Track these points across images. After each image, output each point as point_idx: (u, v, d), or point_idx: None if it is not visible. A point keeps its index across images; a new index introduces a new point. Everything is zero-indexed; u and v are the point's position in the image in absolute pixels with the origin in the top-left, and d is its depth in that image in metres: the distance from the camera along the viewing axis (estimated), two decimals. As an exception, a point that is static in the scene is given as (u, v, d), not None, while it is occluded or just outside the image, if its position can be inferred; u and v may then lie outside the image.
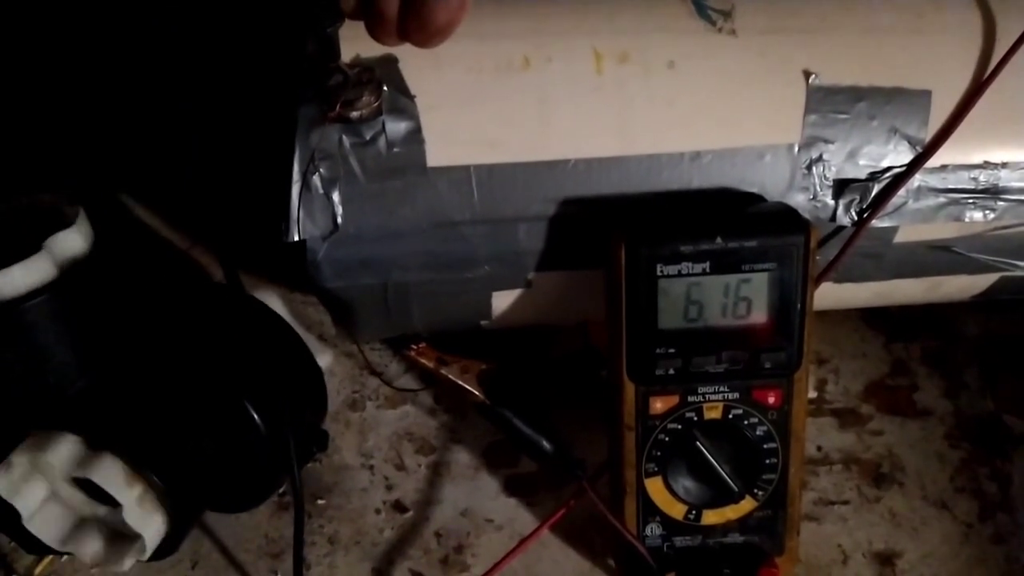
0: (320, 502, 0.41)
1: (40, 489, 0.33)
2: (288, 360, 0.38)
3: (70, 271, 0.34)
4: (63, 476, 0.33)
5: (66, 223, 0.34)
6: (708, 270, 0.33)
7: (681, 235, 0.33)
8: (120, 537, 0.34)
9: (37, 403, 0.34)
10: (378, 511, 0.41)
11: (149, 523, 0.33)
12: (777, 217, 0.34)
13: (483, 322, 0.40)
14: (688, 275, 0.33)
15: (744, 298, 0.34)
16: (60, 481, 0.33)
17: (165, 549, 0.35)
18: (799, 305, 0.34)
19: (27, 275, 0.33)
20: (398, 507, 0.41)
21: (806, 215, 0.36)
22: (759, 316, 0.34)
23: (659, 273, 0.33)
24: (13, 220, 0.36)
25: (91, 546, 0.34)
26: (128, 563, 0.33)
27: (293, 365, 0.38)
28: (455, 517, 0.41)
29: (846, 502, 0.42)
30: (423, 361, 0.40)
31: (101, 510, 0.34)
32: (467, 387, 0.39)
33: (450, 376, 0.40)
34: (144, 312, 0.36)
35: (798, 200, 0.36)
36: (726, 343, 0.34)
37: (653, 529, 0.37)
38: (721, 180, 0.36)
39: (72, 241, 0.35)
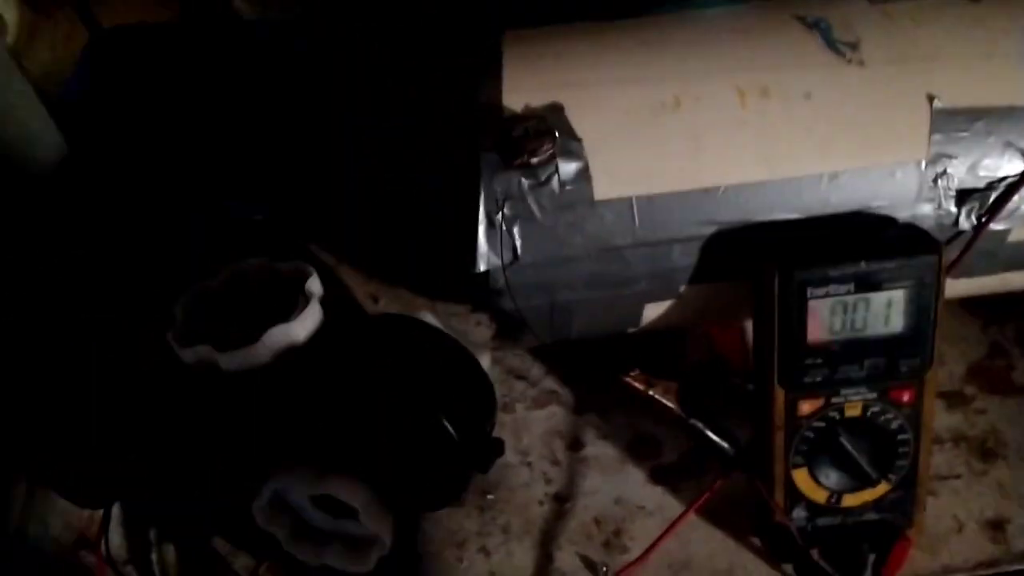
0: (490, 497, 0.47)
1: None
2: (463, 372, 0.43)
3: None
4: (303, 495, 0.38)
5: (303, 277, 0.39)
6: (852, 290, 0.37)
7: (829, 261, 0.37)
8: (355, 544, 0.40)
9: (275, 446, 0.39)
10: (541, 503, 0.47)
11: (384, 525, 0.38)
12: (911, 239, 0.38)
13: (630, 329, 0.45)
14: (835, 295, 0.37)
15: (884, 312, 0.38)
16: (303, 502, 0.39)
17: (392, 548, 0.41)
18: (931, 315, 0.38)
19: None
20: (558, 498, 0.47)
21: (932, 222, 0.40)
22: (897, 326, 0.38)
23: (809, 296, 0.37)
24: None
25: (337, 554, 0.39)
26: (374, 559, 0.39)
27: (468, 376, 0.43)
28: (609, 505, 0.46)
29: (958, 476, 0.47)
30: (637, 385, 0.47)
31: (338, 524, 0.40)
32: (670, 405, 0.46)
33: (658, 397, 0.46)
34: (346, 350, 0.41)
35: (925, 210, 0.40)
36: (867, 352, 0.38)
37: (798, 512, 0.42)
38: (856, 196, 0.39)
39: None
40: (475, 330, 0.52)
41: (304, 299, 0.39)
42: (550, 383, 0.51)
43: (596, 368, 0.51)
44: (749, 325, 0.48)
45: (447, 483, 0.41)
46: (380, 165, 0.53)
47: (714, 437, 0.45)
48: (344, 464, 0.39)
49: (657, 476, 0.47)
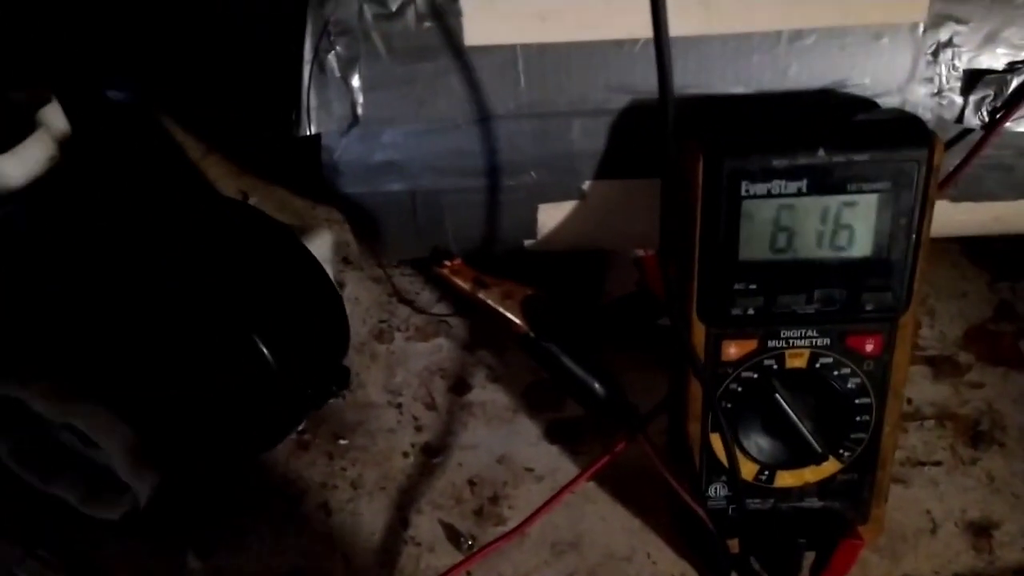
0: (342, 442, 0.38)
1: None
2: (304, 285, 0.33)
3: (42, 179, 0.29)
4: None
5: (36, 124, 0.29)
6: (805, 190, 0.27)
7: (774, 146, 0.27)
8: (101, 482, 0.31)
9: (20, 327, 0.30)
10: (406, 454, 0.37)
11: (139, 475, 0.29)
12: (895, 126, 0.28)
13: (527, 242, 0.35)
14: (780, 195, 0.27)
15: (847, 225, 0.28)
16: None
17: (160, 501, 0.31)
18: (914, 235, 0.28)
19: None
20: (428, 451, 0.37)
21: (927, 113, 0.30)
22: (863, 247, 0.28)
23: (744, 192, 0.27)
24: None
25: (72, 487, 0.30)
26: (118, 511, 0.30)
27: (310, 291, 0.34)
28: (490, 464, 0.37)
29: (938, 463, 0.37)
30: (457, 281, 0.34)
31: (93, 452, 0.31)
32: (508, 315, 0.34)
33: (488, 301, 0.34)
34: (141, 226, 0.31)
35: (918, 95, 0.30)
36: (820, 279, 0.28)
37: (717, 490, 0.32)
38: (824, 68, 0.29)
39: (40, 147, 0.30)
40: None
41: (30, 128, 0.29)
42: (442, 310, 0.41)
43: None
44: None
45: (261, 418, 0.32)
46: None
47: (575, 367, 0.34)
48: (103, 386, 0.29)
49: (553, 433, 0.38)
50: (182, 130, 0.46)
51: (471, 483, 0.37)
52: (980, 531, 0.35)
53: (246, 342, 0.30)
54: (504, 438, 0.38)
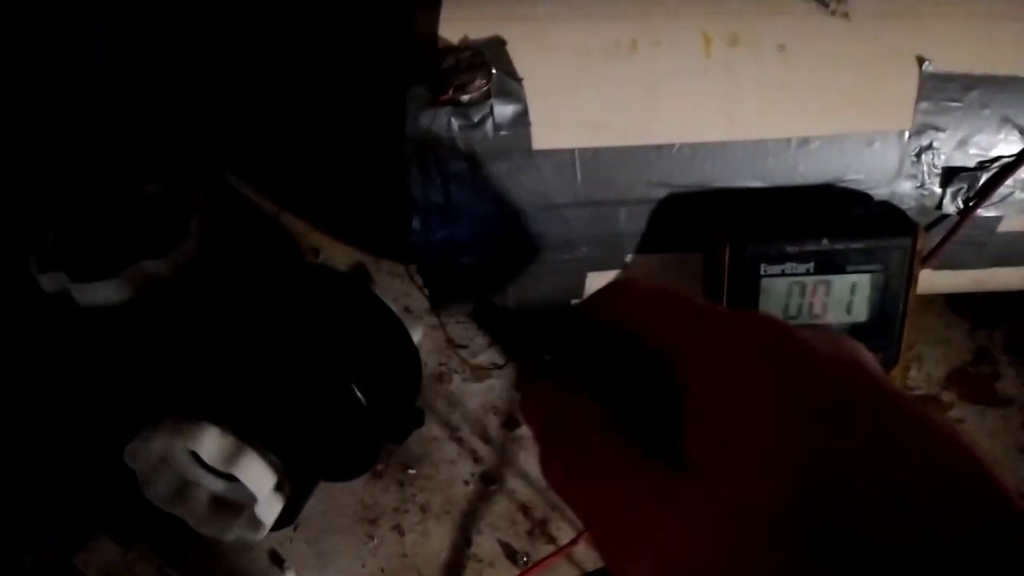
0: (411, 471, 0.43)
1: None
2: (388, 339, 0.39)
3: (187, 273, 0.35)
4: (169, 448, 0.34)
5: (194, 213, 0.35)
6: (812, 270, 0.33)
7: (787, 235, 0.33)
8: (228, 505, 0.36)
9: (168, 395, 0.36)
10: (466, 482, 0.43)
11: (273, 503, 0.34)
12: (884, 219, 0.34)
13: (573, 301, 0.40)
14: (791, 274, 0.33)
15: (847, 298, 0.34)
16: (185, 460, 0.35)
17: (284, 520, 0.37)
18: (901, 306, 0.34)
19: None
20: (485, 479, 0.43)
21: (912, 203, 0.35)
22: (860, 315, 0.34)
23: (762, 272, 0.33)
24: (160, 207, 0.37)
25: (197, 509, 0.36)
26: (235, 532, 0.35)
27: (392, 344, 0.39)
28: (540, 492, 0.43)
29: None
30: None
31: (215, 481, 0.37)
32: None
33: None
34: (253, 294, 0.37)
35: (904, 188, 0.36)
36: (825, 341, 0.34)
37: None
38: (827, 167, 0.35)
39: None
40: (417, 294, 0.48)
41: (186, 235, 0.35)
42: (492, 355, 0.47)
43: (542, 343, 0.48)
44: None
45: (355, 452, 0.38)
46: (312, 98, 0.48)
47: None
48: (243, 420, 0.35)
49: (594, 463, 0.43)
50: (255, 192, 0.51)
51: (524, 508, 0.42)
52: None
53: (345, 389, 0.36)
54: (551, 468, 0.43)
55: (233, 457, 0.33)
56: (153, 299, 0.34)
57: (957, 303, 0.48)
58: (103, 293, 0.33)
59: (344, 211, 0.49)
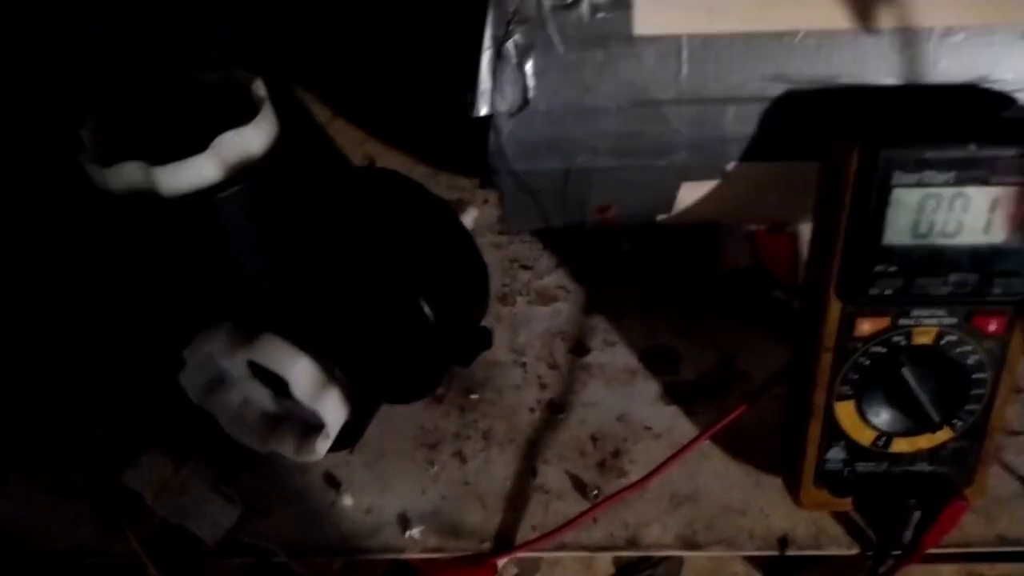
0: (473, 396, 0.40)
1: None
2: (457, 252, 0.36)
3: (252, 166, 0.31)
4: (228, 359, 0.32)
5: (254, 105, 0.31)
6: (952, 181, 0.29)
7: (928, 140, 0.29)
8: (305, 431, 0.34)
9: (228, 301, 0.33)
10: (532, 410, 0.40)
11: (328, 404, 0.32)
12: (1039, 123, 0.30)
13: (660, 216, 0.37)
14: (928, 185, 0.29)
15: (986, 215, 0.30)
16: (242, 375, 0.32)
17: (348, 439, 0.34)
18: (1047, 225, 0.30)
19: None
20: (552, 407, 0.40)
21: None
22: (998, 235, 0.30)
23: (895, 182, 0.29)
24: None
25: (289, 441, 0.33)
26: (321, 450, 0.33)
27: (461, 258, 0.36)
28: (610, 421, 0.40)
29: (1032, 435, 0.39)
30: None
31: (288, 404, 0.34)
32: None
33: None
34: (321, 206, 0.33)
35: (1059, 98, 0.31)
36: (956, 264, 0.30)
37: (836, 453, 0.35)
38: (972, 64, 0.31)
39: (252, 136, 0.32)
40: (481, 210, 0.45)
41: (252, 107, 0.31)
42: (559, 277, 0.44)
43: (614, 263, 0.44)
44: (803, 230, 0.41)
45: (419, 372, 0.35)
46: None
47: None
48: (305, 336, 0.32)
49: (671, 394, 0.40)
50: (308, 95, 0.48)
51: (593, 438, 0.40)
52: (1071, 499, 0.38)
53: (413, 303, 0.33)
54: (623, 398, 0.40)
55: (319, 392, 0.30)
56: (242, 180, 0.31)
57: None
58: (191, 173, 0.30)
59: (403, 116, 0.45)
